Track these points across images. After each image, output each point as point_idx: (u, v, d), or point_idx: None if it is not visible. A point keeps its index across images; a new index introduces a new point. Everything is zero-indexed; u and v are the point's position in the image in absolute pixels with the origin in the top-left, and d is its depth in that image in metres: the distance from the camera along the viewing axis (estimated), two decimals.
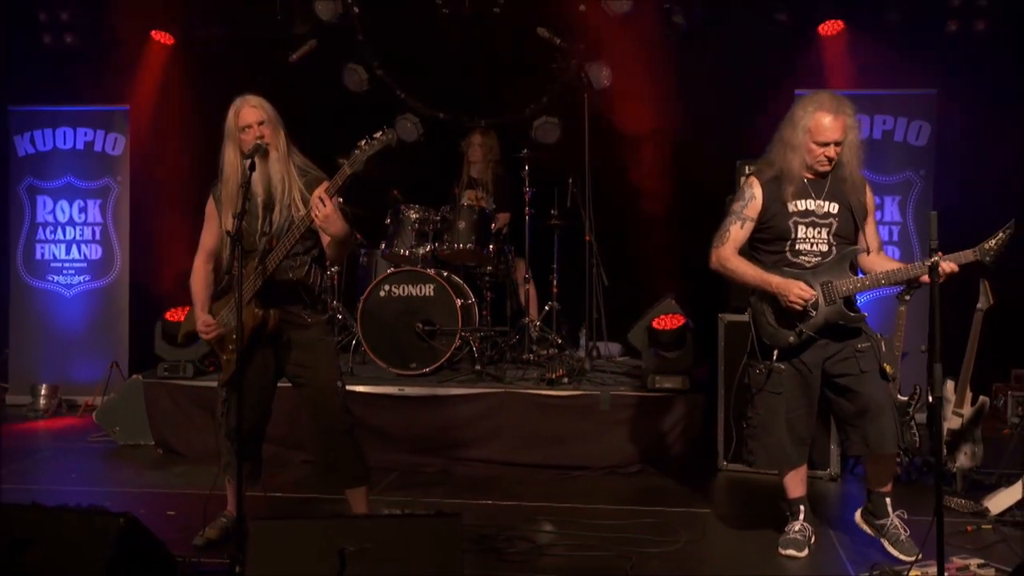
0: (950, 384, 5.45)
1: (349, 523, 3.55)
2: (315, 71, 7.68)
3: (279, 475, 5.46)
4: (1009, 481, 4.94)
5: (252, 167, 3.93)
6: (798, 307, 4.07)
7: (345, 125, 6.67)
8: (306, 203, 4.06)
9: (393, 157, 4.04)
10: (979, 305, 5.09)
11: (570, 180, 6.77)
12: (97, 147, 7.95)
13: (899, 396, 5.23)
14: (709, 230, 6.63)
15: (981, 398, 5.39)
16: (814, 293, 4.08)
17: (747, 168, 5.84)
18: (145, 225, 8.04)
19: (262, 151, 4.01)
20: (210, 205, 4.30)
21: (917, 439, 5.39)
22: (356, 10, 7.64)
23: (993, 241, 3.96)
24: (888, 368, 4.19)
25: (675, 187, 7.36)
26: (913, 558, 3.98)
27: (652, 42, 7.32)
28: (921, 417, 5.48)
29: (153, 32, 7.83)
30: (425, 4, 7.51)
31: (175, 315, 6.38)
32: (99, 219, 7.98)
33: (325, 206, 3.82)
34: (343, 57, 7.78)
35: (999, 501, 4.84)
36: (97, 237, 7.99)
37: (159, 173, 8.05)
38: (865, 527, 4.38)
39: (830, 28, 7.33)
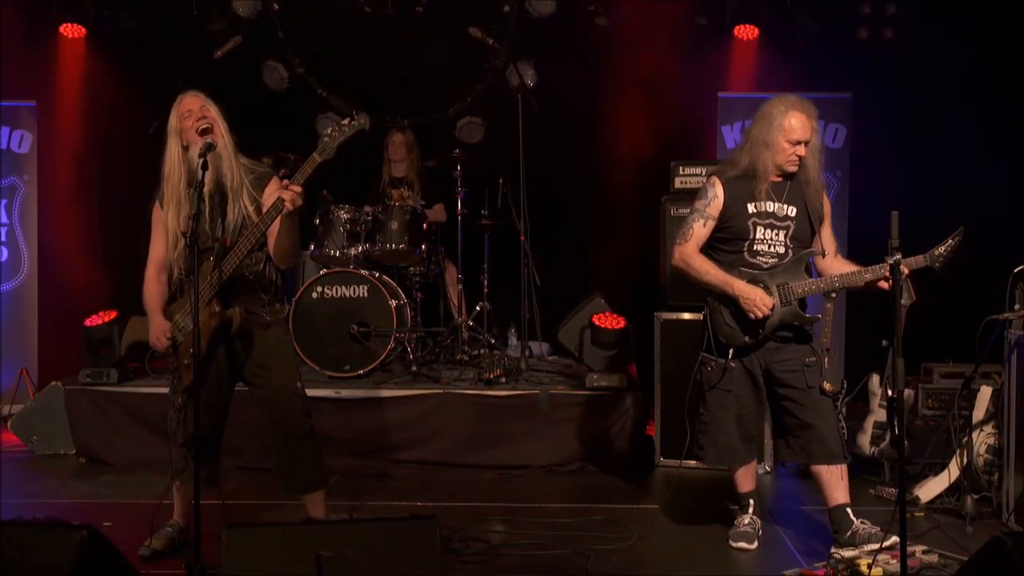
0: (875, 378, 5.66)
1: (325, 528, 3.51)
2: (234, 68, 7.50)
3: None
4: (934, 470, 5.15)
5: (205, 165, 3.81)
6: (757, 315, 4.12)
7: (264, 124, 6.53)
8: (255, 203, 3.98)
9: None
10: (902, 301, 5.25)
11: (500, 180, 6.78)
12: (2, 144, 7.60)
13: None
14: (638, 230, 6.78)
15: (906, 391, 5.60)
16: (773, 302, 4.13)
17: (680, 169, 5.96)
18: (55, 226, 7.71)
19: (213, 149, 3.91)
20: (156, 212, 4.13)
21: (845, 432, 5.55)
22: (276, 7, 7.50)
23: (943, 248, 4.03)
24: (828, 387, 4.22)
25: (603, 187, 7.43)
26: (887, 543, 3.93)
27: (578, 43, 7.40)
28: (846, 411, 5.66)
29: (62, 27, 7.52)
30: (347, 2, 7.42)
31: (96, 321, 6.12)
32: (4, 220, 7.61)
33: (289, 188, 3.77)
34: (263, 54, 7.62)
35: (928, 489, 5.02)
36: (3, 238, 7.62)
37: (70, 173, 7.73)
38: (842, 553, 4.08)
39: (746, 32, 7.49)
